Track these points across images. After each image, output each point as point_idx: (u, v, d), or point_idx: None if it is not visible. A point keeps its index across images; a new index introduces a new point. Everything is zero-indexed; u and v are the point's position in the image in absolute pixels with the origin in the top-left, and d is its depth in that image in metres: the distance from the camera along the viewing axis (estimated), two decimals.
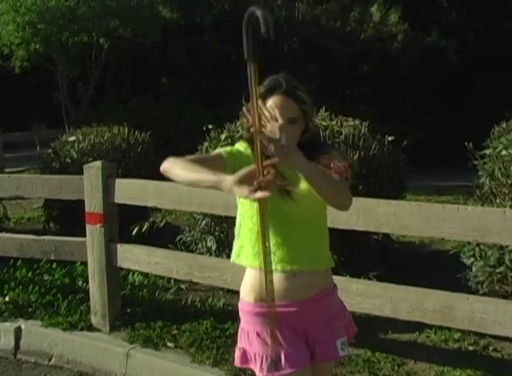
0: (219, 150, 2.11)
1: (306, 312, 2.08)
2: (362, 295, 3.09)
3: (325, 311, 2.13)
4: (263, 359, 2.03)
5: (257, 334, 2.06)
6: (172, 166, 1.96)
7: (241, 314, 2.15)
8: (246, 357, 2.11)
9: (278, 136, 1.91)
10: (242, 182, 1.73)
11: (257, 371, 2.07)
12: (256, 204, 1.88)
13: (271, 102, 2.00)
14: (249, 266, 2.11)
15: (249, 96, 1.78)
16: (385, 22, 15.49)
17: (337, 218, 3.10)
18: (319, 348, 2.11)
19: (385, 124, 9.24)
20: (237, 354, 2.14)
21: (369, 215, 3.05)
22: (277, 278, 2.02)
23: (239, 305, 2.17)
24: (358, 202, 3.12)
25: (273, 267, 2.01)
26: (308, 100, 2.03)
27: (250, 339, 2.08)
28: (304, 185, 2.01)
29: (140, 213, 5.35)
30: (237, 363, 2.15)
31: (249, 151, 2.08)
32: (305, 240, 2.08)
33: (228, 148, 2.13)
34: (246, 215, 2.10)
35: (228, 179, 1.76)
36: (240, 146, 2.13)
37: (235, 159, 2.05)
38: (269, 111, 1.96)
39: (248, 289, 2.11)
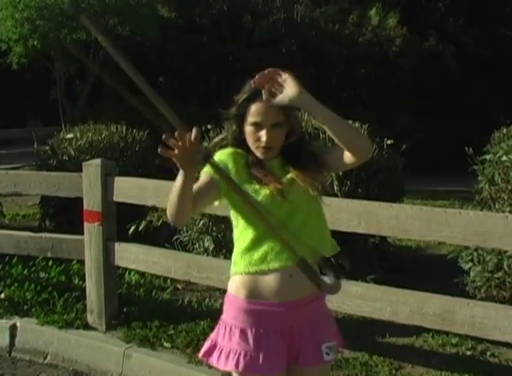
0: (206, 173, 2.01)
1: (296, 313, 2.07)
2: (361, 298, 3.08)
3: (314, 314, 2.12)
4: (240, 356, 2.02)
5: (241, 331, 2.05)
6: (167, 211, 1.92)
7: (227, 308, 2.12)
8: (213, 350, 2.09)
9: (265, 140, 1.98)
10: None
11: (224, 366, 2.04)
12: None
13: (253, 109, 2.01)
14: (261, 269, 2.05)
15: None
16: (383, 26, 15.53)
17: (338, 221, 3.09)
18: (302, 353, 2.09)
19: (382, 127, 9.25)
20: (206, 345, 2.13)
21: (371, 218, 3.04)
22: (274, 277, 2.03)
23: (227, 298, 2.14)
24: (359, 205, 3.14)
25: (272, 265, 2.02)
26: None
27: (230, 334, 2.06)
28: (292, 181, 2.04)
29: (137, 212, 5.33)
30: (201, 354, 2.14)
31: (234, 156, 2.05)
32: (305, 234, 2.05)
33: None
34: (247, 224, 2.06)
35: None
36: (223, 156, 2.06)
37: (222, 179, 1.96)
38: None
39: (241, 285, 2.07)
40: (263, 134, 2.00)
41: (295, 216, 2.05)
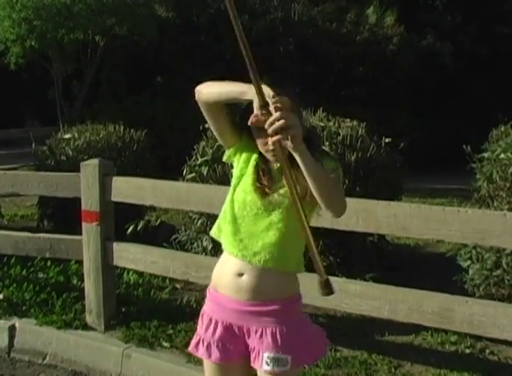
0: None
1: (247, 314, 2.09)
2: (360, 297, 3.08)
3: (270, 321, 2.08)
4: (202, 342, 2.15)
5: (207, 319, 2.15)
6: (204, 85, 2.07)
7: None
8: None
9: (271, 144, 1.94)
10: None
11: (190, 347, 2.22)
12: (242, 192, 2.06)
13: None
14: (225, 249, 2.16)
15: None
16: (381, 24, 15.53)
17: (337, 219, 3.08)
18: (252, 355, 2.11)
19: (380, 125, 9.26)
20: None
21: (369, 216, 3.04)
22: (229, 270, 2.10)
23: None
24: (357, 203, 3.13)
25: (228, 247, 2.10)
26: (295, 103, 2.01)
27: (202, 321, 2.18)
28: (278, 189, 2.05)
29: (135, 212, 5.33)
30: None
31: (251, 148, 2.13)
32: (275, 239, 2.06)
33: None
34: (234, 194, 2.13)
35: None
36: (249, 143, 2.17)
37: (244, 143, 2.13)
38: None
39: (213, 274, 2.19)
40: (269, 138, 1.97)
41: (263, 219, 2.07)
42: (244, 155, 2.13)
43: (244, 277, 2.08)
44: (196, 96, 2.08)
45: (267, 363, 2.04)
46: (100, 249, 4.02)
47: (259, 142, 2.05)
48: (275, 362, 2.04)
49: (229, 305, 2.11)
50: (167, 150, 10.78)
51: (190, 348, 2.21)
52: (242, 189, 2.10)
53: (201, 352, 2.16)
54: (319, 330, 2.22)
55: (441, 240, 5.08)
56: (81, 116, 11.13)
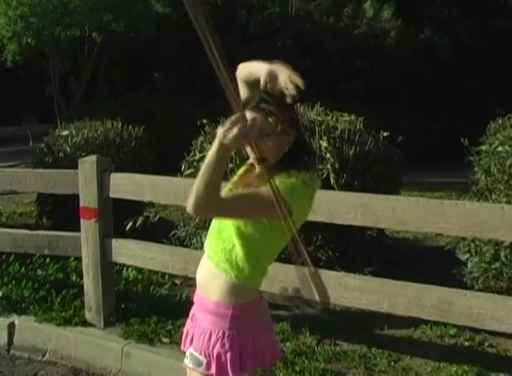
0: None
1: (197, 308, 2.14)
2: (359, 291, 3.08)
3: (208, 321, 2.08)
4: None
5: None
6: (243, 64, 2.14)
7: None
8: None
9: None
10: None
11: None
12: None
13: None
14: None
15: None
16: (378, 18, 15.53)
17: (335, 214, 3.09)
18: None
19: (378, 119, 9.25)
20: None
21: (367, 210, 3.03)
22: (201, 260, 2.16)
23: None
24: (356, 197, 3.13)
25: (206, 238, 2.15)
26: (277, 112, 1.97)
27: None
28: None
29: (134, 208, 5.32)
30: None
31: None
32: (222, 240, 2.04)
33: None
34: None
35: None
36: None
37: None
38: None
39: None
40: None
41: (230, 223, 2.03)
42: None
43: (201, 270, 2.14)
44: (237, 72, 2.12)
45: (187, 356, 2.11)
46: (99, 246, 4.01)
47: (247, 151, 2.02)
48: (192, 358, 2.08)
49: (196, 295, 2.17)
50: (165, 145, 10.78)
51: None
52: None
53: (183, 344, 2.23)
54: (255, 354, 2.09)
55: (439, 234, 5.08)
56: (78, 113, 11.12)
